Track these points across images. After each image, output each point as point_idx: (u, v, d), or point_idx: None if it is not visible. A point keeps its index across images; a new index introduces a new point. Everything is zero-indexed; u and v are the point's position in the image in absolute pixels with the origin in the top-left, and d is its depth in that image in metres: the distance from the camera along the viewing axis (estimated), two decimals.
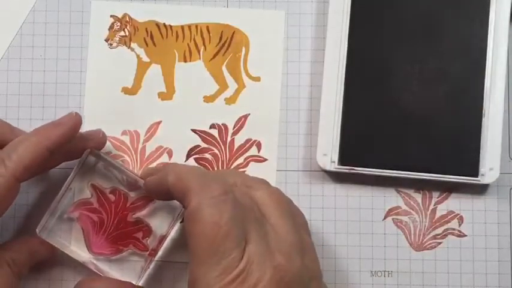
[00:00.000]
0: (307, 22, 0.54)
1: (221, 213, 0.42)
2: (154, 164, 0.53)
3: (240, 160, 0.54)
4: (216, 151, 0.54)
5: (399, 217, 0.53)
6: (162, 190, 0.47)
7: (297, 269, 0.42)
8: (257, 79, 0.54)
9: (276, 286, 0.41)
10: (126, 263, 0.52)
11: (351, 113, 0.52)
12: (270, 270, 0.41)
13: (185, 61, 0.54)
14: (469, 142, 0.52)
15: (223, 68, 0.54)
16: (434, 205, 0.53)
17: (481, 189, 0.53)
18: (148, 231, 0.51)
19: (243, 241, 0.42)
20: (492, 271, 0.52)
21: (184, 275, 0.52)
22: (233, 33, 0.54)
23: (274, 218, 0.44)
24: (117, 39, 0.54)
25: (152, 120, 0.54)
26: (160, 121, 0.54)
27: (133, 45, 0.54)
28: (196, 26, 0.54)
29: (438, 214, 0.53)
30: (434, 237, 0.53)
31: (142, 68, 0.54)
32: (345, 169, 0.52)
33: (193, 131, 0.54)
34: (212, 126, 0.54)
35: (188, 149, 0.54)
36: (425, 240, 0.53)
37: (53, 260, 0.52)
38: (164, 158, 0.53)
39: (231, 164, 0.53)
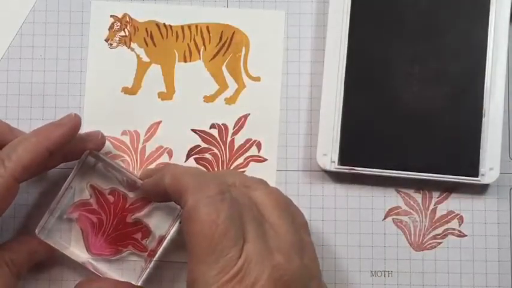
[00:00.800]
0: (307, 22, 0.54)
1: (218, 212, 0.42)
2: (154, 164, 0.53)
3: (240, 160, 0.54)
4: (216, 151, 0.54)
5: (399, 217, 0.53)
6: (159, 192, 0.47)
7: (296, 269, 0.42)
8: (257, 79, 0.54)
9: (275, 285, 0.41)
10: (126, 264, 0.52)
11: (351, 113, 0.52)
12: (268, 269, 0.41)
13: (185, 61, 0.54)
14: (469, 142, 0.51)
15: (223, 68, 0.54)
16: (434, 205, 0.53)
17: (481, 189, 0.53)
18: (147, 232, 0.51)
19: (241, 240, 0.42)
20: (492, 271, 0.52)
21: (183, 275, 0.52)
22: (233, 33, 0.54)
23: (273, 217, 0.44)
24: (117, 39, 0.54)
25: (152, 120, 0.54)
26: (160, 121, 0.54)
27: (134, 45, 0.54)
28: (196, 26, 0.54)
29: (438, 214, 0.53)
30: (434, 237, 0.53)
31: (142, 68, 0.54)
32: (345, 169, 0.52)
33: (194, 131, 0.54)
34: (212, 126, 0.54)
35: (188, 149, 0.54)
36: (425, 240, 0.53)
37: (53, 260, 0.52)
38: (164, 158, 0.53)
39: (231, 164, 0.53)
